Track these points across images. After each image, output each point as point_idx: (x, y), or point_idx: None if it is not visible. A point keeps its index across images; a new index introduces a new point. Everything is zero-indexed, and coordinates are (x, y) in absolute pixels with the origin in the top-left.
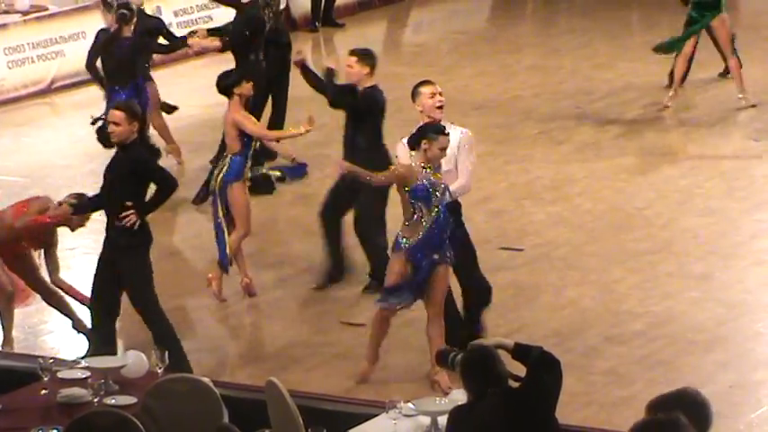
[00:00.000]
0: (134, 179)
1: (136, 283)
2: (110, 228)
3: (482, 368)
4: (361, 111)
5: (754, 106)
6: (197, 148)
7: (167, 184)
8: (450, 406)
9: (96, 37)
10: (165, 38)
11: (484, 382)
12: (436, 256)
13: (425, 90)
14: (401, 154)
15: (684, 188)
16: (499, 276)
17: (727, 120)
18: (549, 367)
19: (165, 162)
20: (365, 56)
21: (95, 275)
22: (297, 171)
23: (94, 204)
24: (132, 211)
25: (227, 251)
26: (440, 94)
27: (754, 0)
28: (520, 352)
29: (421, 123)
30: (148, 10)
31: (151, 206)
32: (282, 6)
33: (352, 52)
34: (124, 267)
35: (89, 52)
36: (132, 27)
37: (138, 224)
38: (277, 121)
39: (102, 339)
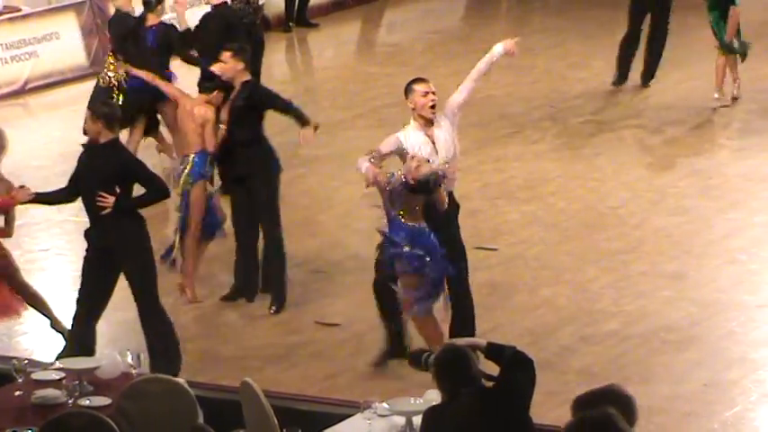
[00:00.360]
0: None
1: (139, 277)
2: (95, 227)
3: (455, 368)
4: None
5: (726, 106)
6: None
7: (158, 191)
8: (425, 406)
9: (116, 23)
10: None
11: (457, 382)
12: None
13: (419, 88)
14: (387, 143)
15: (658, 187)
16: (474, 276)
17: (701, 119)
18: (522, 366)
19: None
20: (240, 51)
21: (83, 277)
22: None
23: (58, 198)
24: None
25: (173, 250)
26: (433, 93)
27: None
28: (493, 352)
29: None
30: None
31: (133, 203)
32: (262, 1)
33: (226, 48)
34: (127, 264)
35: (112, 38)
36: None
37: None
38: None
39: (80, 340)
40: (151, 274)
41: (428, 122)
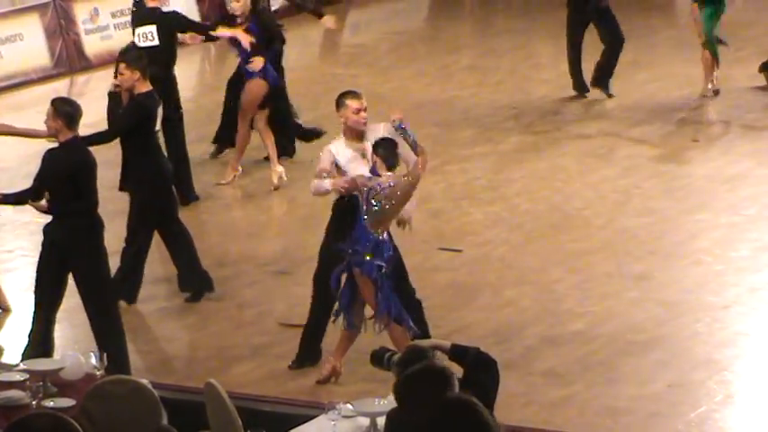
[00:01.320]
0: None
1: (93, 287)
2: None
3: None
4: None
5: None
6: None
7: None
8: (389, 407)
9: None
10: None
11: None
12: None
13: (352, 104)
14: (325, 159)
15: (623, 188)
16: (438, 277)
17: (667, 120)
18: (486, 367)
19: None
20: (135, 60)
21: (38, 274)
22: None
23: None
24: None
25: None
26: (365, 110)
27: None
28: (457, 353)
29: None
30: (85, 12)
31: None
32: None
33: (121, 59)
34: (77, 265)
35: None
36: None
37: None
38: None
39: (40, 339)
40: (100, 277)
41: (359, 136)
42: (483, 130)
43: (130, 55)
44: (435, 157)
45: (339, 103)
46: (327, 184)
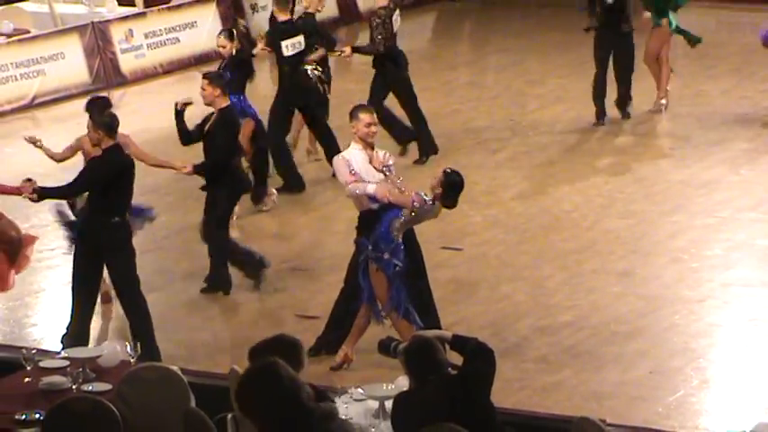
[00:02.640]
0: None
1: (124, 278)
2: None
3: (423, 356)
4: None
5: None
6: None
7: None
8: (397, 391)
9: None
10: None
11: (425, 370)
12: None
13: (364, 117)
14: (345, 167)
15: (607, 193)
16: (440, 273)
17: (646, 131)
18: (483, 356)
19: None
20: (216, 78)
21: (76, 268)
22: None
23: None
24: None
25: None
26: (375, 124)
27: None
28: (457, 343)
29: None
30: (121, 32)
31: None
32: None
33: (204, 75)
34: (111, 259)
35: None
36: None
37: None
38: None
39: (78, 328)
40: (130, 271)
41: (369, 145)
42: (482, 140)
43: (213, 73)
44: (438, 164)
45: (353, 115)
46: (371, 189)
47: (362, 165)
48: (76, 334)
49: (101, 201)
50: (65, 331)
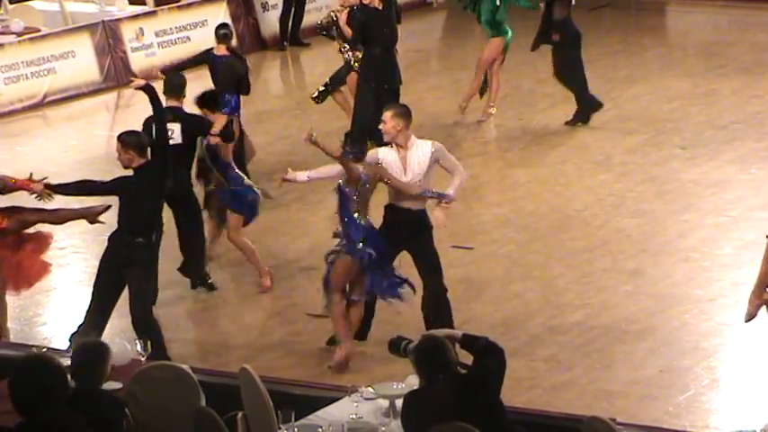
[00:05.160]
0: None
1: (138, 293)
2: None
3: (433, 356)
4: None
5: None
6: None
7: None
8: (406, 390)
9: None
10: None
11: (435, 369)
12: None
13: (386, 114)
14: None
15: (618, 192)
16: (451, 272)
17: (657, 129)
18: (494, 355)
19: None
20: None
21: (99, 274)
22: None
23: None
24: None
25: None
26: (384, 122)
27: (681, 20)
28: (468, 342)
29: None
30: (131, 31)
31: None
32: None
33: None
34: (133, 275)
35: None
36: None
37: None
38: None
39: (89, 330)
40: (148, 284)
41: (400, 145)
42: (491, 139)
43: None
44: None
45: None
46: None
47: (390, 164)
48: (86, 335)
49: (134, 219)
50: (75, 330)
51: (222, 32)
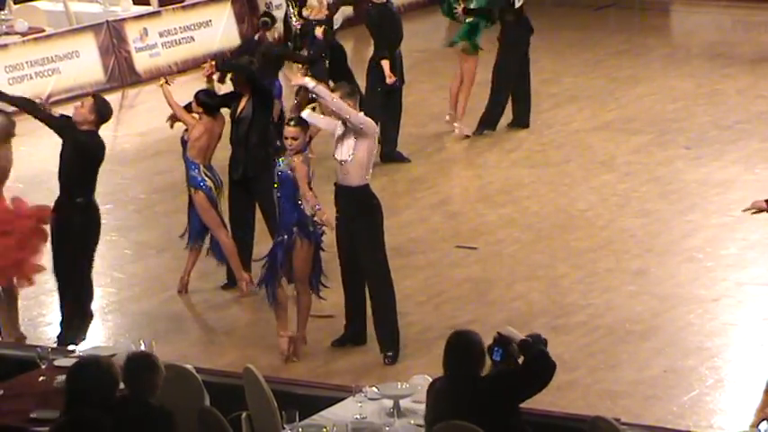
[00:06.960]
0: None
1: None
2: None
3: (462, 353)
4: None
5: (467, 136)
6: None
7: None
8: (410, 390)
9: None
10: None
11: (459, 366)
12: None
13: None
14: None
15: (622, 192)
16: (456, 272)
17: (662, 129)
18: (540, 367)
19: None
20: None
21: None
22: None
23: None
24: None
25: None
26: None
27: (686, 21)
28: (523, 347)
29: None
30: (135, 31)
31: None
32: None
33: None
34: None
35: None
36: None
37: None
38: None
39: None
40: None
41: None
42: (496, 139)
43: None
44: (453, 163)
45: None
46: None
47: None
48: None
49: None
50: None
51: (262, 20)
